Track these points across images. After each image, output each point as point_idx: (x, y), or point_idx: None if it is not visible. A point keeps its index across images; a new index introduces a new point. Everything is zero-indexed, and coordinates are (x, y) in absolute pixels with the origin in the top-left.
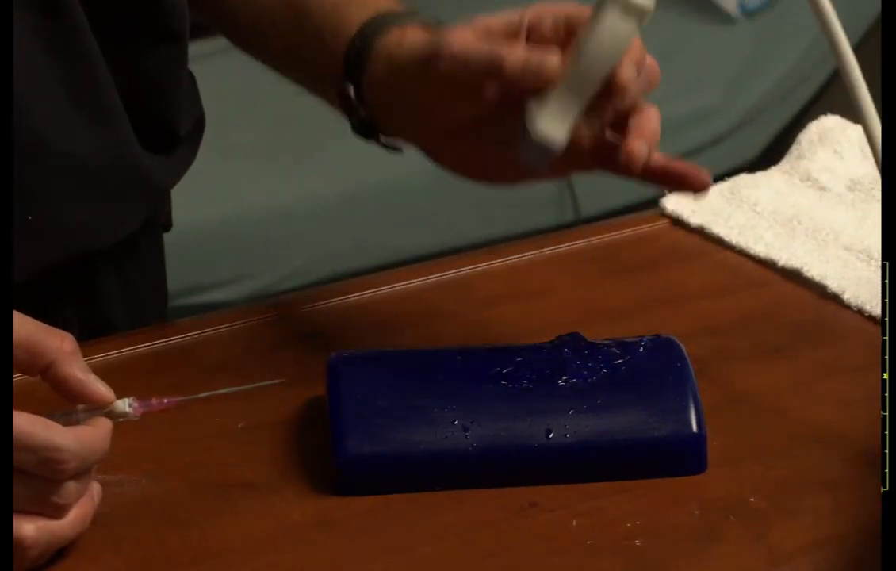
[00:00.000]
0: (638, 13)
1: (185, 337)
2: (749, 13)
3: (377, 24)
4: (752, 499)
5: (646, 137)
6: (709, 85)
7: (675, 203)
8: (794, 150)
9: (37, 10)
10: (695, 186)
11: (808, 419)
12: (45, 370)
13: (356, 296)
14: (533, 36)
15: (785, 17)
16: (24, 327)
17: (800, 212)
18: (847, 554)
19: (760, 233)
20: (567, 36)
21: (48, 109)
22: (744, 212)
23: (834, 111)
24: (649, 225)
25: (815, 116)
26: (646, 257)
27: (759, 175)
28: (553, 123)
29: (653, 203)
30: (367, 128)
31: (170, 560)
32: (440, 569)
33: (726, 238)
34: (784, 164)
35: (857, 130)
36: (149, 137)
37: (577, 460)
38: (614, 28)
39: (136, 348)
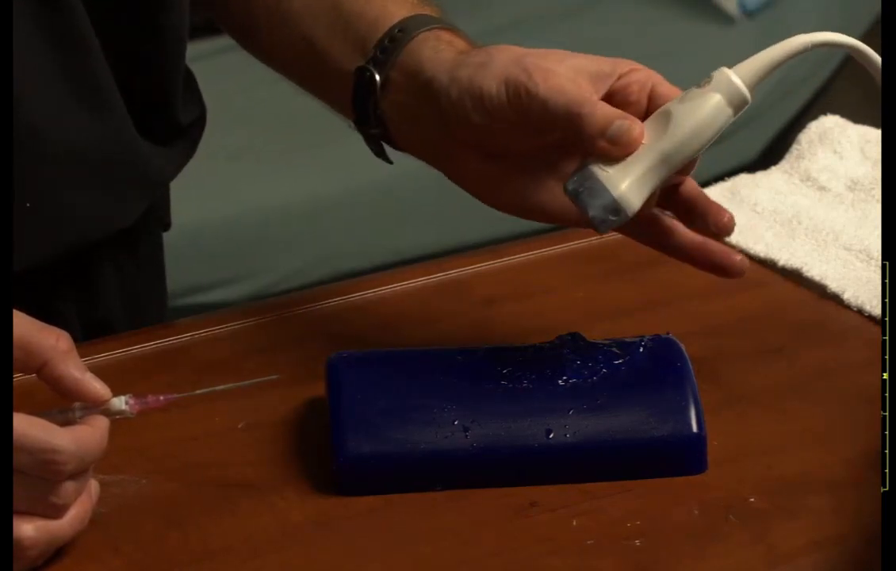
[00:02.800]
0: (739, 104)
1: (184, 337)
2: (749, 13)
3: (421, 20)
4: (752, 499)
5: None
6: None
7: None
8: (794, 150)
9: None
10: (729, 271)
11: (808, 419)
12: (41, 369)
13: (356, 296)
14: (617, 94)
15: (785, 17)
16: (20, 325)
17: (800, 212)
18: (847, 554)
19: (760, 233)
20: (650, 106)
21: (45, 97)
22: (744, 212)
23: (834, 111)
24: None
25: (815, 116)
26: (646, 257)
27: (759, 175)
28: (633, 188)
29: None
30: (373, 129)
31: (169, 560)
32: (440, 569)
33: (726, 238)
34: (784, 164)
35: (857, 130)
36: (148, 126)
37: (578, 460)
38: (717, 113)
39: (136, 349)
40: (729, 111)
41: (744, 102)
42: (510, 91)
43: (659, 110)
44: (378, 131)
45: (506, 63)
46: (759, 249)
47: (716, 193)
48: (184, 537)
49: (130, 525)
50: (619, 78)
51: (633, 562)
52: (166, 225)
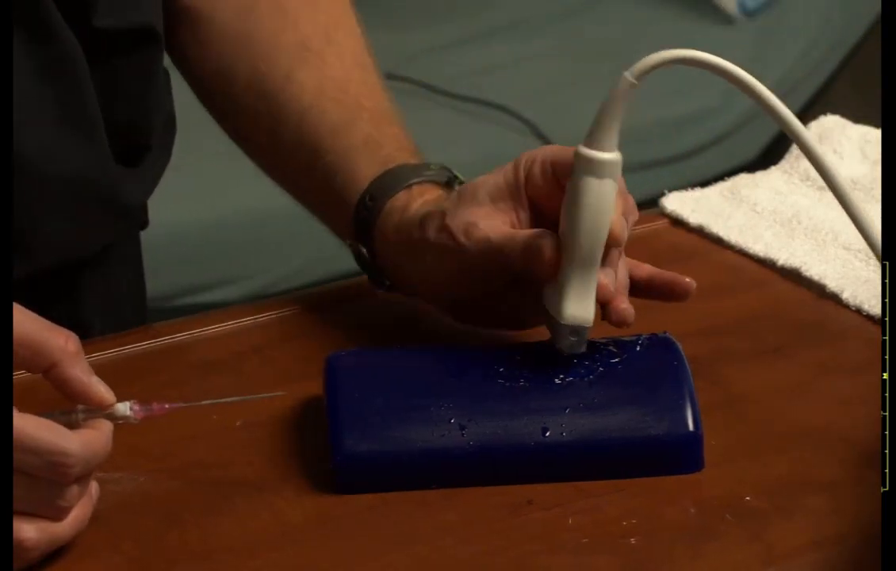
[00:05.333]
0: (611, 169)
1: (182, 336)
2: (749, 13)
3: (386, 184)
4: (748, 498)
5: (621, 285)
6: (709, 85)
7: (675, 203)
8: (794, 150)
9: (27, 33)
10: (679, 294)
11: (807, 419)
12: (49, 370)
13: (354, 296)
14: (528, 186)
15: (785, 17)
16: (29, 324)
17: (799, 212)
18: (846, 555)
19: (760, 233)
20: (555, 178)
21: (35, 126)
22: (743, 212)
23: (834, 111)
24: (649, 225)
25: (815, 116)
26: (646, 256)
27: (759, 175)
28: (578, 303)
29: (653, 203)
30: (383, 284)
31: (168, 558)
32: (437, 567)
33: (726, 238)
34: (784, 164)
35: (857, 130)
36: (122, 149)
37: (574, 458)
38: (597, 194)
39: (133, 348)
40: (607, 182)
41: (613, 164)
42: (446, 261)
43: (562, 208)
44: (389, 285)
45: (435, 234)
46: (759, 248)
47: (716, 192)
48: (182, 535)
49: (129, 522)
50: (526, 179)
51: (629, 561)
52: (143, 224)
